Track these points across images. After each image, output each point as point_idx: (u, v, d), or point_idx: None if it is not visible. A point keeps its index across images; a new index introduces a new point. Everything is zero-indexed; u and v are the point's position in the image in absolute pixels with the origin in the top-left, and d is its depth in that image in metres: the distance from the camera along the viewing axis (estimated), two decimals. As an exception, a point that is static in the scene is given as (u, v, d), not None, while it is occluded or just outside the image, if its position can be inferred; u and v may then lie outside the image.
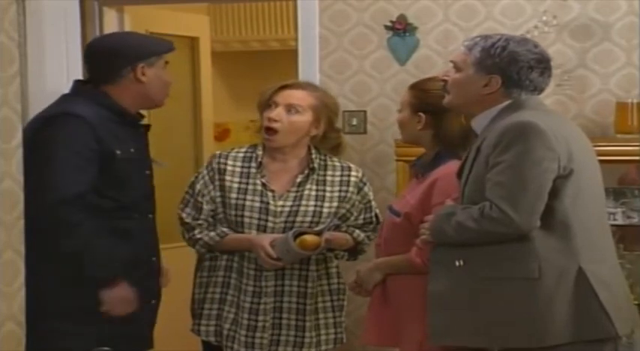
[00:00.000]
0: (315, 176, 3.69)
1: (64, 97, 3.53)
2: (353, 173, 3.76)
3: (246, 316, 3.62)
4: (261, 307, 3.62)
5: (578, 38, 4.32)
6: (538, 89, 3.05)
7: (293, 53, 4.69)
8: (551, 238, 2.89)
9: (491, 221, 2.86)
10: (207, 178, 3.69)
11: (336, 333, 3.75)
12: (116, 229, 3.40)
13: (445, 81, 3.15)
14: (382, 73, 4.51)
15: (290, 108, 3.64)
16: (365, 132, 4.54)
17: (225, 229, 3.65)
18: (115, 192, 3.39)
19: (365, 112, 4.54)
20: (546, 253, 2.88)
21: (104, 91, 3.46)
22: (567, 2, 4.30)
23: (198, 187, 3.68)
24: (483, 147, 2.96)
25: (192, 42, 5.79)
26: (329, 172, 3.72)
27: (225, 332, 3.65)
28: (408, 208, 3.31)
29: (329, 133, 3.74)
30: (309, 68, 4.54)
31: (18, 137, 3.18)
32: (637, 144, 3.94)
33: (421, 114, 3.36)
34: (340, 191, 3.71)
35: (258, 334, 3.63)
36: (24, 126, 3.34)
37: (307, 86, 3.75)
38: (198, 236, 3.65)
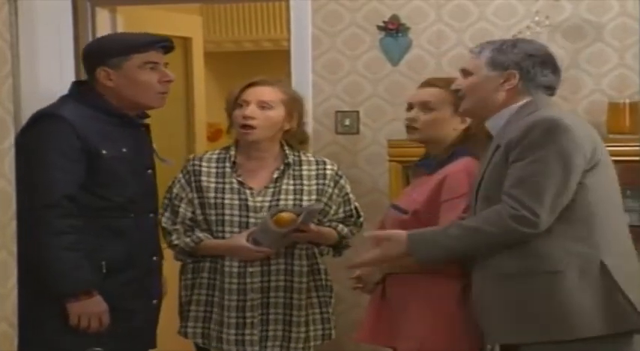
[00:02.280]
0: (291, 171, 3.72)
1: (60, 98, 3.53)
2: (328, 167, 3.79)
3: (233, 314, 3.63)
4: (248, 303, 3.63)
5: (570, 39, 4.32)
6: (551, 88, 3.07)
7: (286, 53, 4.69)
8: (574, 232, 2.89)
9: (520, 221, 2.84)
10: (183, 181, 3.71)
11: (323, 329, 3.77)
12: (108, 228, 3.39)
13: (458, 90, 3.13)
14: (375, 74, 4.51)
15: (262, 104, 3.67)
16: (357, 132, 4.54)
17: (200, 235, 3.66)
18: (105, 191, 3.38)
19: (358, 112, 4.54)
20: (569, 247, 2.88)
21: (97, 92, 3.45)
22: (560, 3, 4.31)
23: (175, 190, 3.70)
24: (503, 143, 2.94)
25: (185, 42, 5.78)
26: (304, 167, 3.75)
27: (213, 334, 3.66)
28: (417, 205, 3.30)
29: (299, 126, 3.78)
30: (302, 68, 4.54)
31: (10, 138, 3.17)
32: (629, 144, 3.95)
33: None
34: (317, 184, 3.73)
35: (247, 331, 3.63)
36: (16, 127, 3.34)
37: (274, 82, 3.78)
38: (175, 243, 3.67)
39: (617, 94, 4.27)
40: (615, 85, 4.31)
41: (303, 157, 3.78)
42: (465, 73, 3.11)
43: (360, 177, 4.50)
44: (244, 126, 3.66)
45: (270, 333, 3.66)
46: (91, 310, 3.33)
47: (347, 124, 4.54)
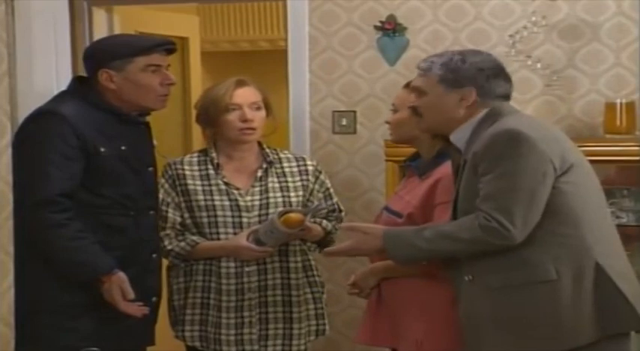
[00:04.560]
0: (273, 169, 3.73)
1: (59, 93, 3.53)
2: (308, 162, 3.82)
3: (232, 315, 3.63)
4: (246, 303, 3.63)
5: (567, 38, 4.32)
6: (506, 96, 3.05)
7: (282, 53, 4.69)
8: (563, 237, 2.86)
9: (489, 232, 2.83)
10: (167, 186, 3.70)
11: (317, 324, 3.77)
12: (109, 226, 3.38)
13: (413, 108, 3.13)
14: (371, 74, 4.51)
15: (252, 106, 3.69)
16: (354, 132, 4.54)
17: (194, 238, 3.65)
18: (104, 189, 3.37)
19: (354, 112, 4.53)
20: (560, 253, 2.85)
21: (97, 89, 3.45)
22: (556, 3, 4.31)
23: (160, 196, 3.67)
24: (470, 158, 2.94)
25: (182, 42, 5.78)
26: (285, 164, 3.77)
27: (211, 336, 3.65)
28: (411, 208, 3.29)
29: (271, 119, 3.81)
30: (299, 68, 4.54)
31: (7, 138, 3.18)
32: (626, 144, 3.96)
33: None
34: (302, 180, 3.75)
35: (246, 331, 3.63)
36: (13, 126, 3.34)
37: (249, 82, 3.77)
38: (169, 248, 3.65)
39: (614, 94, 4.27)
40: (612, 85, 4.31)
41: (282, 155, 3.80)
42: (419, 92, 3.09)
43: (357, 177, 4.50)
44: (245, 128, 3.68)
45: (271, 331, 3.67)
46: (111, 290, 3.29)
47: (344, 123, 4.55)
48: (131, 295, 3.30)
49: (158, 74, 3.44)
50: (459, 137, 3.05)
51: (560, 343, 2.86)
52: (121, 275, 3.30)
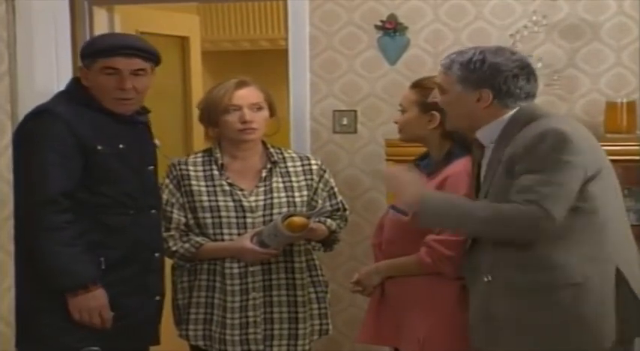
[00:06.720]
0: (278, 169, 3.73)
1: (57, 93, 3.54)
2: (313, 162, 3.82)
3: (237, 315, 3.62)
4: (250, 302, 3.63)
5: (567, 38, 4.32)
6: (530, 95, 3.01)
7: (283, 53, 4.69)
8: (588, 240, 2.85)
9: (540, 212, 2.77)
10: (171, 186, 3.70)
11: (321, 324, 3.77)
12: (108, 225, 3.38)
13: (436, 103, 3.13)
14: (372, 73, 4.51)
15: (253, 106, 3.69)
16: (355, 132, 4.54)
17: (198, 239, 3.65)
18: (102, 187, 3.37)
19: (355, 111, 4.53)
20: (584, 256, 2.84)
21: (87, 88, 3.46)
22: (557, 2, 4.31)
23: (164, 197, 3.67)
24: (505, 158, 2.90)
25: (183, 41, 5.79)
26: (289, 164, 3.77)
27: (216, 336, 3.65)
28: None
29: (274, 119, 3.80)
30: (299, 68, 4.54)
31: (7, 137, 3.18)
32: (627, 144, 3.96)
33: (434, 112, 3.31)
34: (306, 180, 3.76)
35: (251, 331, 3.63)
36: (13, 126, 3.34)
37: (251, 82, 3.77)
38: (173, 249, 3.65)
39: (615, 94, 4.27)
40: (612, 85, 4.31)
41: (286, 154, 3.80)
42: (440, 89, 3.08)
43: (357, 176, 4.50)
44: (244, 129, 3.67)
45: (276, 332, 3.67)
46: (88, 304, 3.31)
47: (344, 123, 4.54)
48: (109, 313, 3.33)
49: (115, 78, 3.43)
50: (485, 135, 3.03)
51: (585, 346, 2.85)
52: (103, 291, 3.32)
